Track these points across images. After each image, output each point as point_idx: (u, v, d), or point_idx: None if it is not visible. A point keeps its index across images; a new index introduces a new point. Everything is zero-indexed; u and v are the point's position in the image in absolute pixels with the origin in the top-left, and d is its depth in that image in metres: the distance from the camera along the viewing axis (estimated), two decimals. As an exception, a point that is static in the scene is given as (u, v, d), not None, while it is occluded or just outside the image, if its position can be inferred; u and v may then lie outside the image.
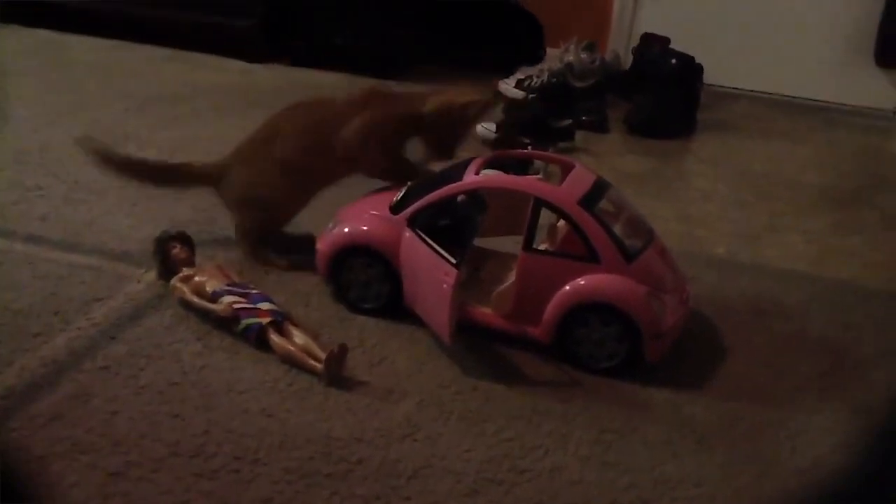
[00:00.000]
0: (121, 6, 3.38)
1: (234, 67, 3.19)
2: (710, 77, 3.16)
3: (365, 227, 1.62)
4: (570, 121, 2.80)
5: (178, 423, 1.34)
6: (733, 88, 3.48)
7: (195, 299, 1.60)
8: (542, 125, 2.74)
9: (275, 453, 1.29)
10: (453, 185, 1.57)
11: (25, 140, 2.36)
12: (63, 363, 1.44)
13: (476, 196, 1.65)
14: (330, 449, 1.31)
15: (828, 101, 3.40)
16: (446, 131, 1.71)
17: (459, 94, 1.70)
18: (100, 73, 3.03)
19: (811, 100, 3.41)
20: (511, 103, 2.98)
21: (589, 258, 1.49)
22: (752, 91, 3.47)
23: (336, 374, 1.46)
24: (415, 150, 1.77)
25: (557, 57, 3.17)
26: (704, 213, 2.32)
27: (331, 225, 1.68)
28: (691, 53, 3.06)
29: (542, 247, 1.57)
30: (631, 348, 1.49)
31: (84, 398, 1.37)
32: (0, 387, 1.37)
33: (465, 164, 1.63)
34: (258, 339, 1.53)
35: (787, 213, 2.34)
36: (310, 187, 1.78)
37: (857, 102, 3.37)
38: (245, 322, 1.54)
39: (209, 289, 1.61)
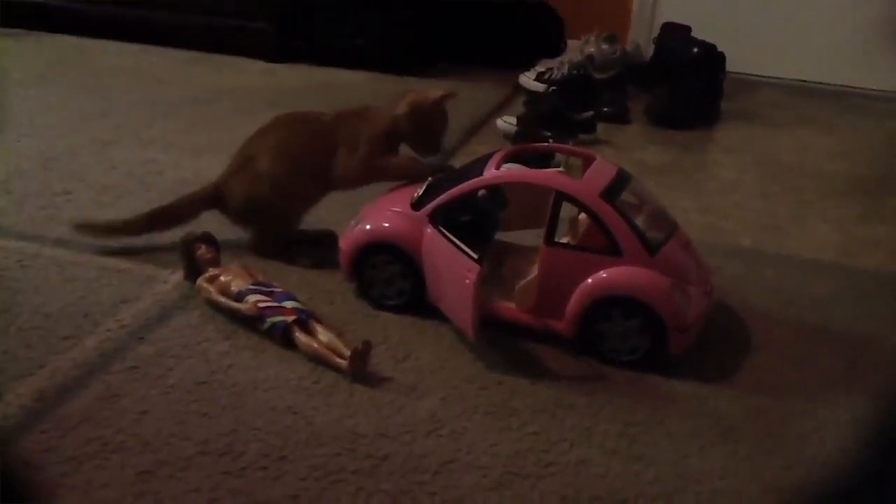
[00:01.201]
0: (143, 11, 3.43)
1: (256, 68, 3.23)
2: (732, 65, 3.14)
3: (386, 224, 1.63)
4: (591, 113, 2.79)
5: (206, 422, 1.36)
6: (757, 76, 3.45)
7: (221, 299, 1.62)
8: (562, 118, 2.73)
9: (301, 450, 1.31)
10: (474, 180, 1.57)
11: (53, 146, 2.40)
12: (93, 365, 1.46)
13: (497, 191, 1.66)
14: (355, 445, 1.32)
15: (853, 87, 3.36)
16: (425, 129, 1.78)
17: (426, 91, 1.78)
18: (125, 78, 3.08)
19: (836, 85, 3.38)
20: (532, 96, 2.98)
21: (611, 251, 1.49)
22: (775, 78, 3.45)
23: (361, 370, 1.47)
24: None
25: (578, 49, 3.16)
26: (728, 204, 2.30)
27: (353, 222, 1.69)
28: (713, 42, 3.04)
29: (564, 240, 1.57)
30: (654, 341, 1.49)
31: (114, 399, 1.39)
32: (31, 389, 1.39)
33: (486, 158, 1.63)
34: (283, 337, 1.54)
35: (812, 203, 2.32)
36: (305, 196, 1.82)
37: (883, 87, 3.33)
38: (270, 321, 1.56)
39: (234, 288, 1.62)
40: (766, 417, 1.41)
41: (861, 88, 3.34)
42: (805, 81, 3.41)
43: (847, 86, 3.36)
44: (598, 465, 1.30)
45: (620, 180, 1.57)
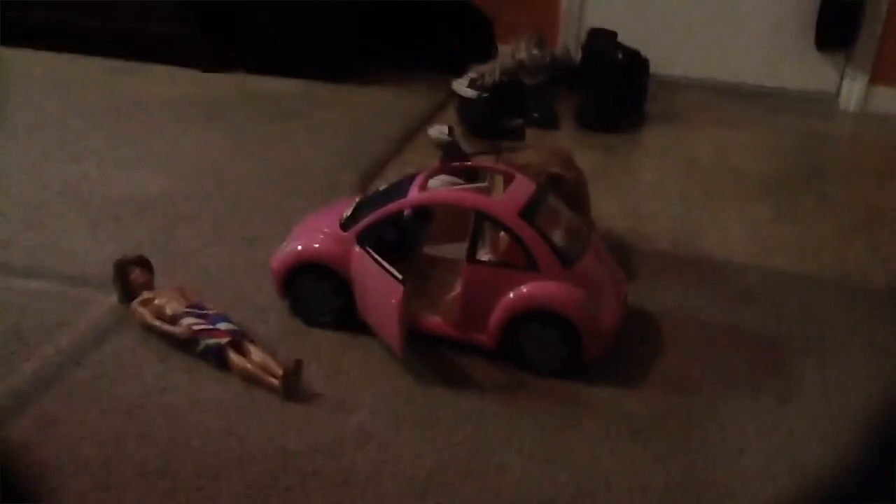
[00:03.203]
0: (71, 18, 3.39)
1: (187, 78, 3.22)
2: (659, 67, 3.25)
3: (316, 245, 1.69)
4: (520, 121, 2.87)
5: (143, 444, 1.41)
6: (682, 77, 3.57)
7: (156, 322, 1.66)
8: (491, 125, 2.81)
9: (235, 468, 1.37)
10: (398, 201, 1.64)
11: (-17, 164, 2.40)
12: (30, 390, 1.50)
13: (421, 209, 1.73)
14: (287, 462, 1.39)
15: (772, 87, 3.51)
16: None
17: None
18: (54, 89, 3.06)
19: (756, 85, 3.52)
20: (464, 103, 3.05)
21: (529, 266, 1.57)
22: (699, 79, 3.57)
23: (293, 388, 1.53)
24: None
25: (509, 54, 3.23)
26: (650, 209, 2.41)
27: (284, 243, 1.75)
28: (639, 46, 3.15)
29: (486, 257, 1.65)
30: (572, 350, 1.58)
31: (52, 424, 1.43)
32: (-31, 418, 1.42)
33: (411, 178, 1.70)
34: (218, 358, 1.59)
35: (729, 205, 2.43)
36: None
37: (800, 87, 3.48)
38: (204, 342, 1.61)
39: (169, 311, 1.67)
40: (673, 417, 1.52)
41: (780, 88, 3.49)
42: (727, 82, 3.55)
43: (766, 86, 3.50)
44: (517, 469, 1.39)
45: (538, 198, 1.66)
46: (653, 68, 3.19)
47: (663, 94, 3.34)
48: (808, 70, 3.48)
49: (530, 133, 2.87)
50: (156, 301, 1.69)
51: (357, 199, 1.76)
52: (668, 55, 3.44)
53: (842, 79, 3.42)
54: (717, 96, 3.44)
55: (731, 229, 2.28)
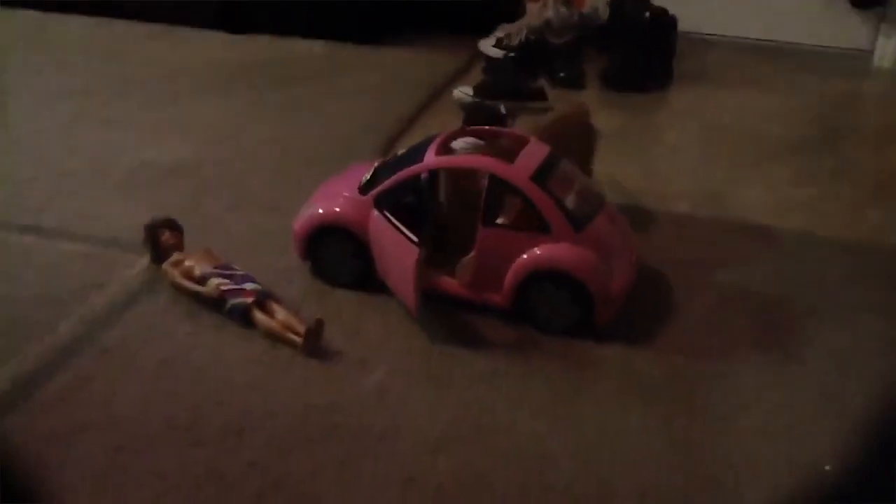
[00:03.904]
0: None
1: (215, 41, 3.24)
2: (688, 25, 3.21)
3: (337, 209, 1.74)
4: (542, 81, 2.87)
5: (173, 399, 1.49)
6: (711, 35, 3.52)
7: (185, 282, 1.73)
8: (515, 86, 2.81)
9: (259, 422, 1.44)
10: (415, 166, 1.68)
11: (16, 129, 2.47)
12: (65, 350, 1.58)
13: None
14: (308, 416, 1.45)
15: (804, 44, 3.45)
16: None
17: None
18: (85, 54, 3.11)
19: (789, 43, 3.46)
20: (491, 63, 3.04)
21: (541, 229, 1.61)
22: (729, 37, 3.52)
23: (315, 346, 1.60)
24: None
25: (536, 12, 3.20)
26: (671, 169, 2.41)
27: (305, 207, 1.80)
28: (669, 4, 3.11)
29: (500, 220, 1.69)
30: (584, 310, 1.62)
31: (85, 381, 1.51)
32: (8, 375, 1.51)
33: (427, 143, 1.74)
34: (243, 317, 1.66)
35: (750, 165, 2.43)
36: None
37: (833, 44, 3.42)
38: (231, 302, 1.67)
39: (198, 272, 1.74)
40: (681, 377, 1.56)
41: (812, 45, 3.43)
42: (757, 39, 3.50)
43: (798, 43, 3.44)
44: (526, 427, 1.44)
45: (551, 162, 1.68)
46: (684, 26, 3.16)
47: (693, 52, 3.31)
48: (842, 27, 3.40)
49: (555, 93, 2.87)
50: (185, 262, 1.76)
51: (376, 164, 1.80)
52: (699, 13, 3.39)
53: (877, 36, 3.35)
54: (748, 55, 3.39)
55: (749, 191, 2.28)
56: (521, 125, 2.03)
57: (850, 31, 3.40)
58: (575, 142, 1.85)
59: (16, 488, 0.89)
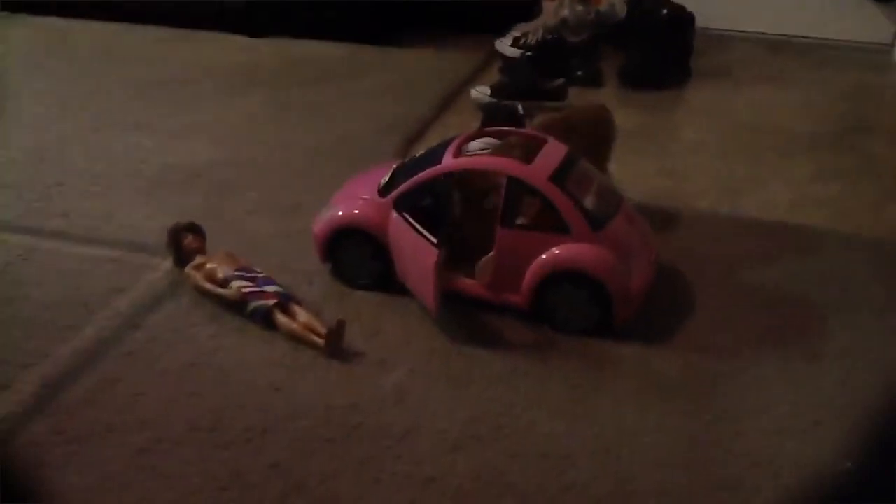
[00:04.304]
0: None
1: (236, 44, 3.27)
2: (706, 21, 3.21)
3: (356, 211, 1.76)
4: (561, 80, 2.87)
5: (196, 401, 1.51)
6: (729, 31, 3.51)
7: (208, 285, 1.76)
8: (532, 86, 2.81)
9: (281, 423, 1.46)
10: (433, 168, 1.69)
11: (43, 136, 2.51)
12: (91, 352, 1.61)
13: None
14: (330, 417, 1.47)
15: (825, 40, 3.42)
16: None
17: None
18: (105, 60, 3.15)
19: (809, 39, 3.44)
20: (508, 62, 3.05)
21: (560, 230, 1.61)
22: (747, 32, 3.50)
23: (336, 347, 1.62)
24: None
25: (553, 11, 3.20)
26: (690, 167, 2.41)
27: (325, 209, 1.82)
28: (684, 2, 3.11)
29: (519, 221, 1.69)
30: (602, 310, 1.63)
31: (112, 383, 1.54)
32: (37, 377, 1.54)
33: (446, 145, 1.75)
34: (265, 319, 1.68)
35: (770, 162, 2.42)
36: None
37: (853, 38, 3.39)
38: (253, 305, 1.70)
39: (220, 275, 1.76)
40: (700, 376, 1.56)
41: (833, 41, 3.40)
42: (776, 35, 3.47)
43: (818, 39, 3.42)
44: (545, 426, 1.45)
45: (569, 162, 1.69)
46: (702, 22, 3.15)
47: (712, 49, 3.29)
48: (862, 22, 3.38)
49: (573, 91, 2.87)
50: (208, 265, 1.78)
51: (394, 166, 1.81)
52: (716, 9, 3.37)
53: (897, 31, 3.33)
54: (767, 51, 3.37)
55: (769, 188, 2.28)
56: (531, 124, 2.04)
57: (869, 25, 3.37)
58: (585, 138, 1.85)
59: (16, 488, 0.90)
